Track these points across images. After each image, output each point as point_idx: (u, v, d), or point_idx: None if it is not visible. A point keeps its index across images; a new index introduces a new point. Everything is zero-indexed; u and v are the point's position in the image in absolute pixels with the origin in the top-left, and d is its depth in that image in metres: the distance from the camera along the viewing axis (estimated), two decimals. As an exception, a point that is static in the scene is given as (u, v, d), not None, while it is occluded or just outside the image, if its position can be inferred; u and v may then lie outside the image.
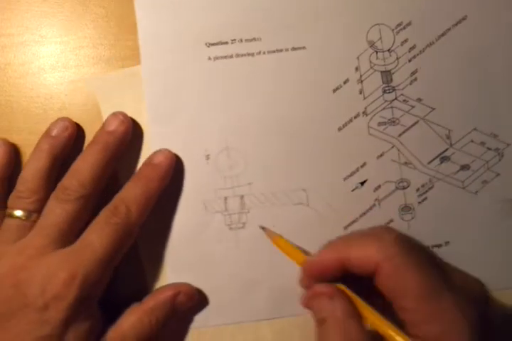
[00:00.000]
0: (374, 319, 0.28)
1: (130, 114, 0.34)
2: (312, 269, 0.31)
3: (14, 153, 0.34)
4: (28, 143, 0.34)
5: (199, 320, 0.34)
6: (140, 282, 0.34)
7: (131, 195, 0.32)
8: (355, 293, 0.29)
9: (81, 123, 0.34)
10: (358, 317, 0.28)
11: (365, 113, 0.34)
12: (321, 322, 0.29)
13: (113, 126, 0.33)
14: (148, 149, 0.34)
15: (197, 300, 0.33)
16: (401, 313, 0.28)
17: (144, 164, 0.33)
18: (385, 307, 0.29)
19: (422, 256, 0.29)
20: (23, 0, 0.34)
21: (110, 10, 0.34)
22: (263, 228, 0.34)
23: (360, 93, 0.34)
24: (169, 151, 0.33)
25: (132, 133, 0.33)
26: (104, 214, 0.31)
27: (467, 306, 0.28)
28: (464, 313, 0.28)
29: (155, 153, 0.33)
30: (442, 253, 0.34)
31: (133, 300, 0.32)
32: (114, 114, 0.33)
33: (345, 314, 0.28)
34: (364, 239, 0.30)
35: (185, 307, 0.33)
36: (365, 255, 0.29)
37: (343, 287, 0.30)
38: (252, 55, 0.33)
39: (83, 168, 0.32)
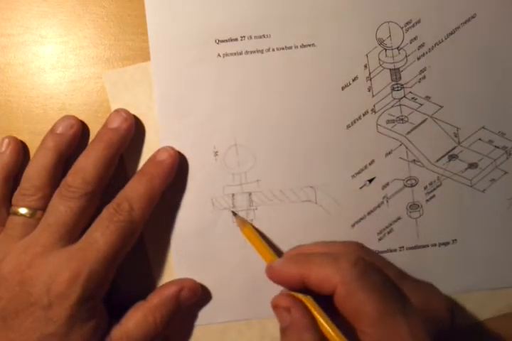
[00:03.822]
0: (330, 334, 0.29)
1: (142, 109, 0.34)
2: (274, 276, 0.31)
3: (23, 151, 0.34)
4: (28, 143, 0.34)
5: (207, 316, 0.34)
6: (145, 279, 0.34)
7: (134, 192, 0.32)
8: (317, 304, 0.30)
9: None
10: (316, 330, 0.29)
11: (373, 110, 0.34)
12: (282, 331, 0.30)
13: (116, 123, 0.33)
14: (159, 145, 0.33)
15: (201, 295, 0.33)
16: (358, 334, 0.29)
17: (148, 161, 0.33)
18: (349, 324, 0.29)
19: (379, 280, 0.29)
20: (23, 0, 0.34)
21: (110, 10, 0.34)
22: (235, 214, 0.34)
23: (369, 90, 0.34)
24: (172, 148, 0.33)
25: (143, 130, 0.33)
26: (107, 211, 0.31)
27: (422, 329, 0.28)
28: (417, 337, 0.28)
29: (159, 150, 0.33)
30: (449, 251, 0.34)
31: (138, 298, 0.32)
32: (117, 111, 0.33)
33: (303, 327, 0.29)
34: (324, 259, 0.30)
35: (189, 303, 0.33)
36: (323, 276, 0.29)
37: (305, 298, 0.30)
38: (262, 51, 0.33)
39: (87, 165, 0.31)
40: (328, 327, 0.29)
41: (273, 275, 0.31)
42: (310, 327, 0.29)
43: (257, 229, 0.33)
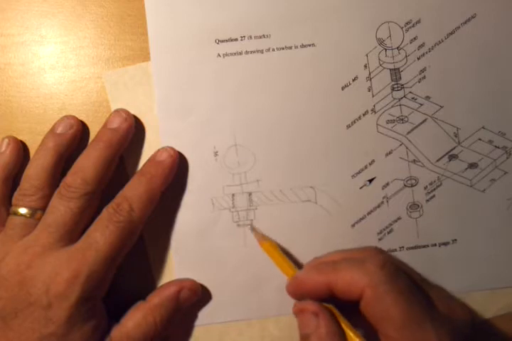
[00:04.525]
0: None
1: (142, 109, 0.34)
2: (299, 287, 0.31)
3: (23, 151, 0.34)
4: (28, 143, 0.34)
5: (206, 316, 0.34)
6: (145, 279, 0.34)
7: (133, 192, 0.32)
8: (341, 313, 0.29)
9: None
10: (342, 337, 0.28)
11: (373, 110, 0.34)
12: (304, 337, 0.29)
13: (116, 123, 0.33)
14: (159, 145, 0.33)
15: (201, 295, 0.33)
16: (383, 339, 0.29)
17: (148, 161, 0.33)
18: (372, 332, 0.29)
19: (406, 284, 0.29)
20: (23, 0, 0.34)
21: (110, 10, 0.34)
22: (252, 227, 0.34)
23: (369, 90, 0.34)
24: (172, 148, 0.33)
25: (143, 130, 0.33)
26: (107, 211, 0.31)
27: (448, 337, 0.28)
28: None
29: (159, 150, 0.33)
30: (449, 251, 0.34)
31: (138, 298, 0.32)
32: (117, 111, 0.33)
33: (329, 333, 0.28)
34: (349, 264, 0.30)
35: (189, 303, 0.33)
36: (350, 280, 0.29)
37: (329, 306, 0.30)
38: (262, 51, 0.33)
39: (87, 165, 0.31)
40: (357, 336, 0.28)
41: (298, 286, 0.30)
42: (337, 335, 0.28)
43: (279, 245, 0.33)
